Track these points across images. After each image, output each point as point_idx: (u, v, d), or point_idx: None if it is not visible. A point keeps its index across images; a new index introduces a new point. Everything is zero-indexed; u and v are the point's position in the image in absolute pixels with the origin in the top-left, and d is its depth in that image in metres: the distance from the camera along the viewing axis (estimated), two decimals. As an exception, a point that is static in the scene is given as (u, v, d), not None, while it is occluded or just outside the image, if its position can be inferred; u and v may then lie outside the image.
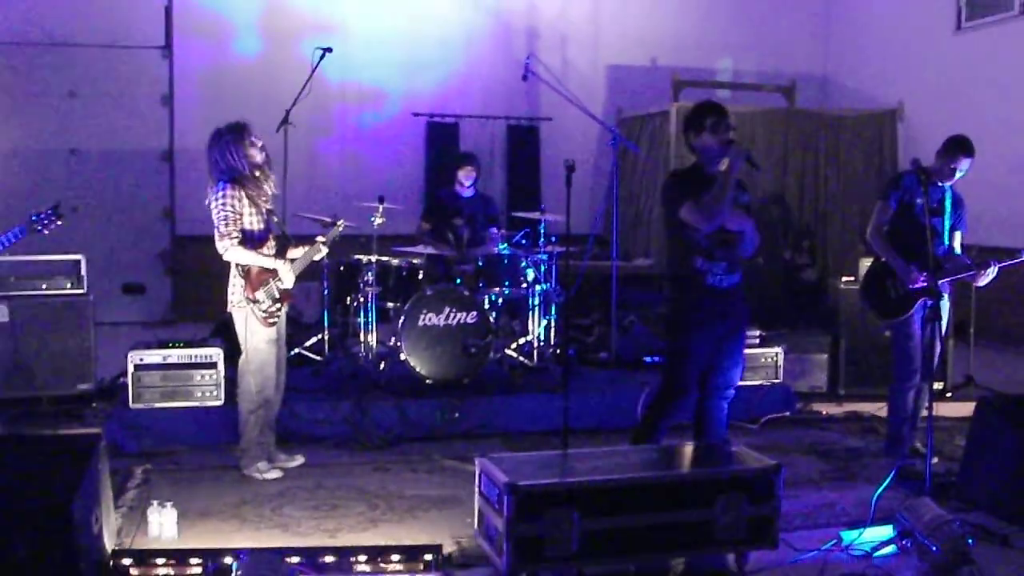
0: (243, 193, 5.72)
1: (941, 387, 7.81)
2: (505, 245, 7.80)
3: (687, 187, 5.18)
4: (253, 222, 5.77)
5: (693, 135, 5.28)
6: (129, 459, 6.23)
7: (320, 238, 6.17)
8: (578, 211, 6.62)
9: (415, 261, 7.85)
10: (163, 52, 11.82)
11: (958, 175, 5.97)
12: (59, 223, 5.47)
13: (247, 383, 5.86)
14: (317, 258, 6.27)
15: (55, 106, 11.31)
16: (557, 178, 10.36)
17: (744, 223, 5.26)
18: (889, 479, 5.44)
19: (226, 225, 5.68)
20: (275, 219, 6.00)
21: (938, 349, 6.02)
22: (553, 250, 7.93)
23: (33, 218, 5.45)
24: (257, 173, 5.85)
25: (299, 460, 6.13)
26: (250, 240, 5.76)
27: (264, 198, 5.86)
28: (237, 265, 5.78)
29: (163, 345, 6.85)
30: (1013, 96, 10.97)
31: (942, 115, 10.11)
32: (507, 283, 7.74)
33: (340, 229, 6.31)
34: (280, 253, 5.91)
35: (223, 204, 5.67)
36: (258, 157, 5.87)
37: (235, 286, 5.80)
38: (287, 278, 5.86)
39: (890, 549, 4.78)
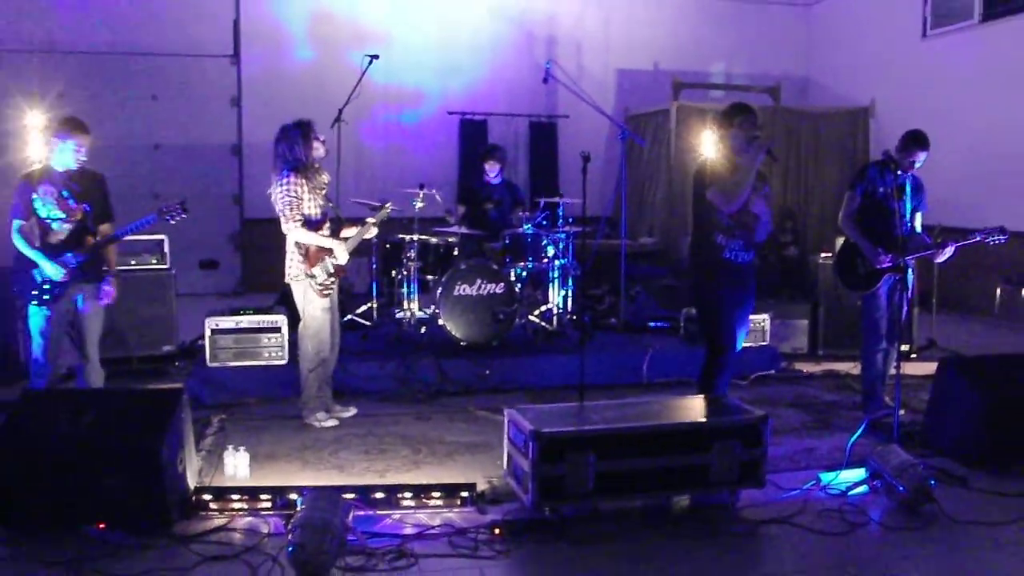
0: (303, 181, 5.72)
1: (907, 349, 7.77)
2: (529, 226, 7.78)
3: (715, 170, 5.18)
4: (312, 207, 5.77)
5: (724, 130, 5.27)
6: (207, 410, 6.27)
7: (370, 219, 6.17)
8: (591, 196, 6.60)
9: (451, 239, 7.86)
10: (232, 60, 11.85)
11: (916, 166, 5.91)
12: (184, 216, 5.52)
13: (306, 346, 5.88)
14: (368, 237, 6.27)
15: (140, 108, 11.36)
16: (573, 168, 10.36)
17: (763, 209, 5.25)
18: (862, 428, 5.44)
19: (291, 210, 5.68)
20: (331, 204, 6.01)
21: (903, 316, 5.98)
22: (570, 230, 7.90)
23: (163, 208, 5.52)
24: (317, 165, 5.86)
25: (352, 411, 6.16)
26: (309, 223, 5.75)
27: (321, 186, 5.87)
28: (297, 244, 5.79)
29: (235, 312, 6.89)
30: (973, 95, 10.86)
31: (909, 112, 9.99)
32: (530, 258, 7.72)
33: (388, 211, 6.31)
34: (335, 233, 5.91)
35: (287, 191, 5.67)
36: (320, 151, 5.88)
37: (292, 262, 5.82)
38: (341, 255, 5.87)
39: (862, 489, 4.78)
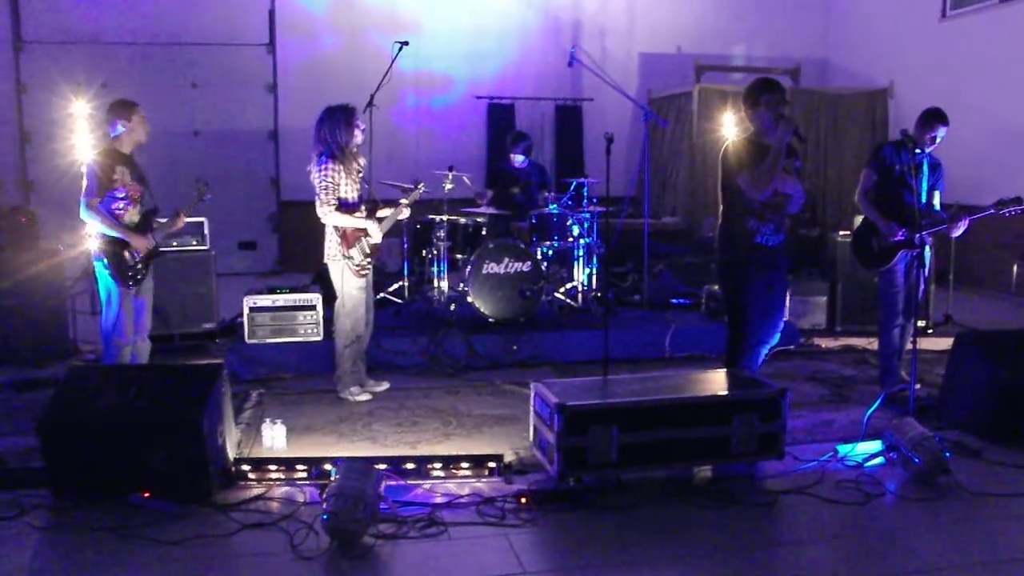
0: (340, 166, 5.70)
1: (924, 325, 7.70)
2: (555, 206, 7.76)
3: (743, 156, 4.98)
4: (348, 190, 5.76)
5: (751, 109, 5.04)
6: (246, 384, 6.32)
7: (403, 200, 6.17)
8: (616, 177, 6.56)
9: (479, 220, 7.84)
10: (267, 48, 11.87)
11: (937, 141, 5.82)
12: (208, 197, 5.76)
13: (342, 323, 5.90)
14: (401, 218, 6.27)
15: (180, 96, 11.43)
16: (598, 149, 10.32)
17: (794, 186, 5.07)
18: (878, 402, 5.40)
19: (326, 193, 5.68)
20: (366, 186, 6.00)
21: (920, 293, 5.90)
22: (594, 209, 7.86)
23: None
24: (355, 150, 5.85)
25: (385, 385, 6.18)
26: (345, 205, 5.75)
27: (358, 170, 5.86)
28: (335, 226, 5.80)
29: (272, 291, 6.92)
30: (991, 76, 10.67)
31: (928, 93, 9.83)
32: (556, 237, 7.69)
33: (420, 192, 6.30)
34: (370, 215, 5.91)
35: (324, 175, 5.67)
36: (359, 138, 5.83)
37: (331, 243, 5.82)
38: (376, 235, 5.88)
39: (879, 461, 4.74)
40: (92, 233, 5.33)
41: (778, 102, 4.99)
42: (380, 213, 5.98)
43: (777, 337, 5.22)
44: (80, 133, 7.60)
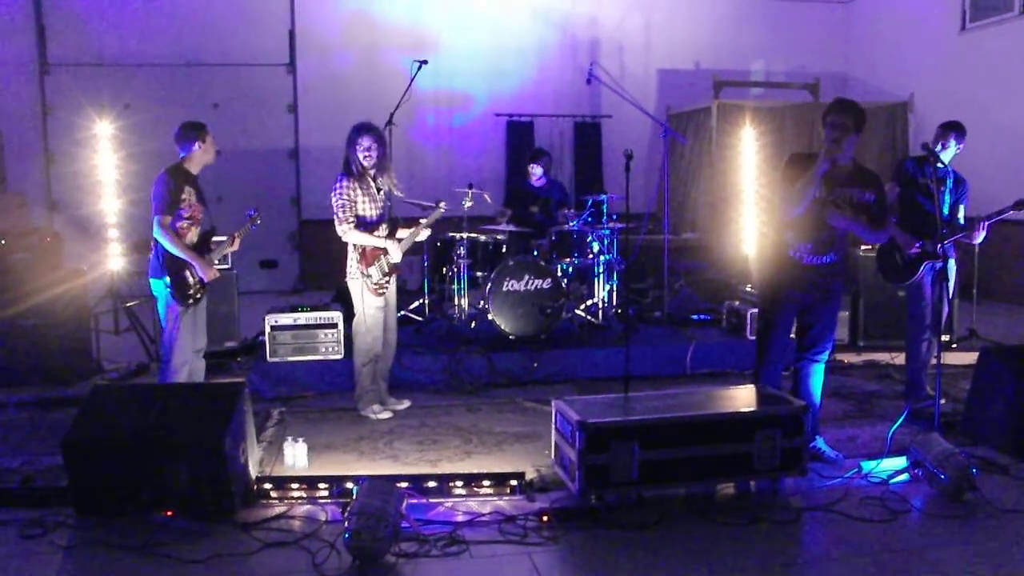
0: (356, 184, 5.73)
1: (948, 339, 7.63)
2: (574, 223, 7.76)
3: (789, 168, 4.91)
4: (366, 208, 5.78)
5: (820, 125, 4.94)
6: (267, 403, 6.34)
7: (423, 220, 6.16)
8: (635, 193, 6.56)
9: (499, 237, 7.86)
10: (288, 68, 11.96)
11: (950, 149, 5.80)
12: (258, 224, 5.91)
13: (360, 341, 5.91)
14: (421, 238, 6.27)
15: (202, 115, 11.28)
16: (617, 166, 10.30)
17: (850, 223, 4.83)
18: (903, 417, 5.35)
19: (343, 212, 5.71)
20: (388, 204, 6.01)
21: (945, 306, 5.85)
22: (614, 226, 7.86)
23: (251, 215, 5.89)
24: (370, 169, 5.80)
25: (406, 404, 6.18)
26: (364, 224, 5.77)
27: (377, 188, 5.84)
28: (354, 244, 5.83)
29: (293, 309, 6.94)
30: (1013, 88, 10.61)
31: (948, 107, 9.80)
32: (576, 254, 7.69)
33: (441, 211, 6.28)
34: (391, 234, 5.89)
35: (339, 193, 5.71)
36: (363, 157, 5.73)
37: (352, 261, 5.84)
38: (395, 255, 5.89)
39: (904, 477, 4.70)
40: (151, 250, 5.37)
41: (839, 125, 4.77)
42: (400, 233, 6.00)
43: (824, 353, 5.08)
44: (103, 153, 7.69)
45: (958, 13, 11.58)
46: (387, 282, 5.87)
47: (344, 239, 5.80)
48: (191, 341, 5.45)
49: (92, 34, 11.36)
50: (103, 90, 10.83)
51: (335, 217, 5.74)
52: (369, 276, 5.78)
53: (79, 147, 9.75)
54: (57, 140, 11.34)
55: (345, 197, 5.70)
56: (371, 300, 5.82)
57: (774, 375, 5.10)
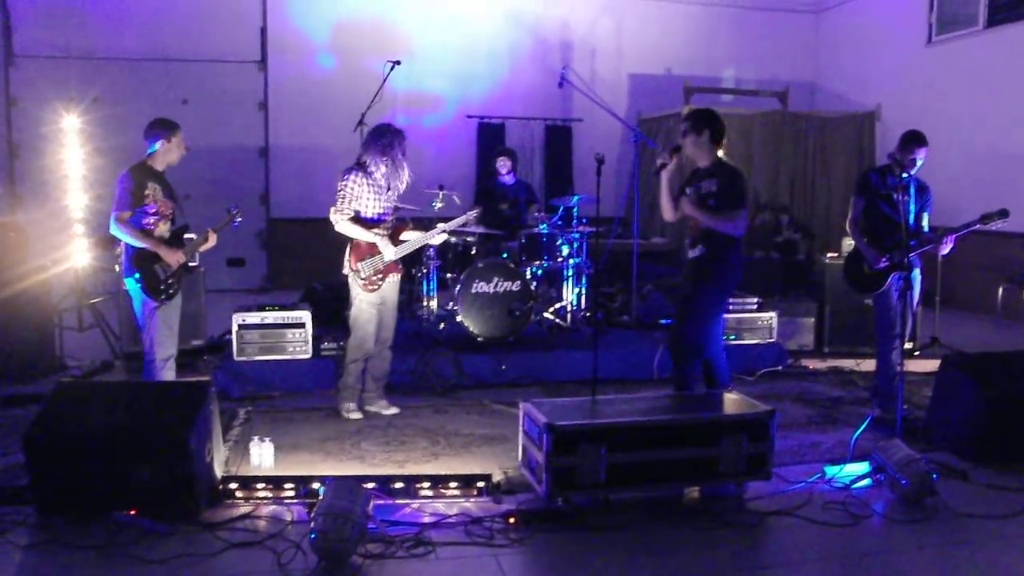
0: (363, 180, 5.72)
1: (911, 347, 7.72)
2: (544, 226, 7.78)
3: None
4: (370, 205, 5.74)
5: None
6: (234, 402, 6.30)
7: (441, 224, 6.27)
8: (605, 197, 6.58)
9: (469, 239, 7.85)
10: (259, 66, 11.90)
11: (918, 163, 5.84)
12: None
13: (352, 335, 5.87)
14: (435, 242, 6.40)
15: (171, 111, 11.15)
16: (587, 169, 10.35)
17: (695, 212, 5.29)
18: (866, 423, 5.40)
19: (342, 202, 5.69)
20: (400, 207, 6.00)
21: (910, 315, 5.90)
22: (584, 230, 7.90)
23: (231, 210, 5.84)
24: (381, 170, 5.78)
25: (394, 410, 6.07)
26: (363, 220, 5.73)
27: (386, 190, 5.82)
28: (350, 238, 5.80)
29: (261, 308, 6.90)
30: (978, 100, 10.78)
31: (914, 116, 9.90)
32: (545, 257, 7.72)
33: (471, 218, 6.40)
34: (394, 235, 5.85)
35: (344, 185, 5.70)
36: (384, 169, 5.77)
37: (346, 254, 5.84)
38: (388, 254, 5.83)
39: (866, 482, 4.75)
40: (121, 251, 5.32)
41: (680, 131, 5.49)
42: (406, 235, 5.96)
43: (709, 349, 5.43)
44: (70, 147, 7.60)
45: (925, 26, 11.76)
46: (379, 279, 5.83)
47: (336, 228, 5.77)
48: (171, 336, 5.40)
49: (60, 26, 11.21)
50: (71, 83, 10.68)
51: (333, 206, 5.72)
52: (358, 271, 5.76)
53: (45, 141, 9.62)
54: (22, 133, 11.19)
55: (348, 190, 5.69)
56: (363, 295, 5.79)
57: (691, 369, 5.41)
